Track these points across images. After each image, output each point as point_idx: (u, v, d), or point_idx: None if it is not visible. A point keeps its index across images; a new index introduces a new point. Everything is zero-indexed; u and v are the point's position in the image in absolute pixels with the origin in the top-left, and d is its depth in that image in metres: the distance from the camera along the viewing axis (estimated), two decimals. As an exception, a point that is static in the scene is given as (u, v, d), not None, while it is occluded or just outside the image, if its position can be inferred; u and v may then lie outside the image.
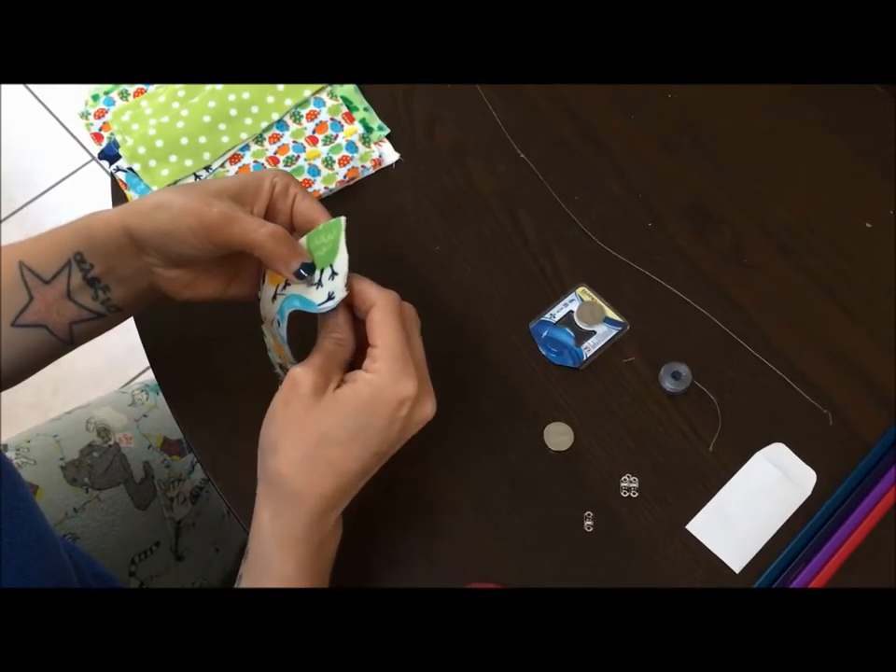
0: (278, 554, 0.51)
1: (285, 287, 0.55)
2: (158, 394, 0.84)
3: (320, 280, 0.54)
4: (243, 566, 0.54)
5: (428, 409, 0.52)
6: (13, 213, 1.72)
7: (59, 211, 1.71)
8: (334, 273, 0.53)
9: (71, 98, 1.77)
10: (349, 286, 0.53)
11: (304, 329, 0.55)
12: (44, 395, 1.52)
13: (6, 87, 1.81)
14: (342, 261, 0.53)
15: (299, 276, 0.53)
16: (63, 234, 0.56)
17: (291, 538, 0.51)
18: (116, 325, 0.59)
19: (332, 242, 0.53)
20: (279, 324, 0.55)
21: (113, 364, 1.52)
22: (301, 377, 0.51)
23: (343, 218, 0.54)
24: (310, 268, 0.54)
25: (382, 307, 0.52)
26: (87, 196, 1.72)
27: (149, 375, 0.77)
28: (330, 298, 0.53)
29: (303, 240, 0.56)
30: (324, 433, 0.50)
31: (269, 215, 0.56)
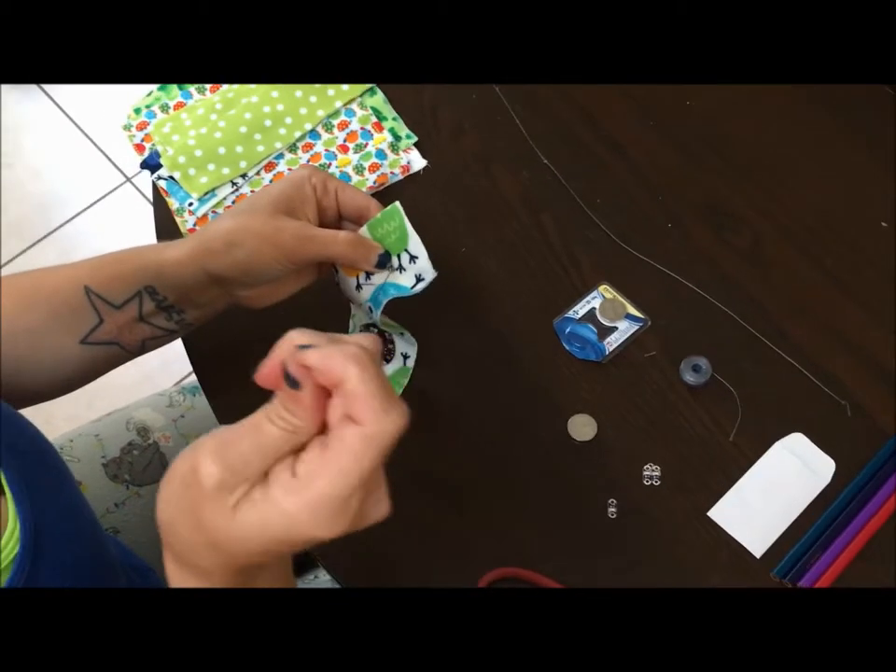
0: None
1: (368, 278, 0.59)
2: (195, 395, 0.87)
3: (400, 265, 0.57)
4: None
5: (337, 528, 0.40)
6: (48, 234, 1.77)
7: (94, 233, 1.75)
8: (413, 258, 0.57)
9: (105, 120, 1.82)
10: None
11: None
12: (79, 408, 1.55)
13: (41, 110, 1.86)
14: (416, 244, 0.57)
15: (380, 267, 0.57)
16: (127, 269, 0.58)
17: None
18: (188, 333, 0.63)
19: (399, 228, 0.57)
20: (372, 311, 0.59)
21: (147, 376, 1.55)
22: (202, 469, 0.40)
23: (398, 203, 0.57)
24: (386, 256, 0.57)
25: (368, 435, 0.38)
26: (121, 218, 1.76)
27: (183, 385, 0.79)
28: (420, 280, 0.57)
29: (365, 230, 0.59)
30: (218, 541, 0.41)
31: (318, 214, 0.59)
